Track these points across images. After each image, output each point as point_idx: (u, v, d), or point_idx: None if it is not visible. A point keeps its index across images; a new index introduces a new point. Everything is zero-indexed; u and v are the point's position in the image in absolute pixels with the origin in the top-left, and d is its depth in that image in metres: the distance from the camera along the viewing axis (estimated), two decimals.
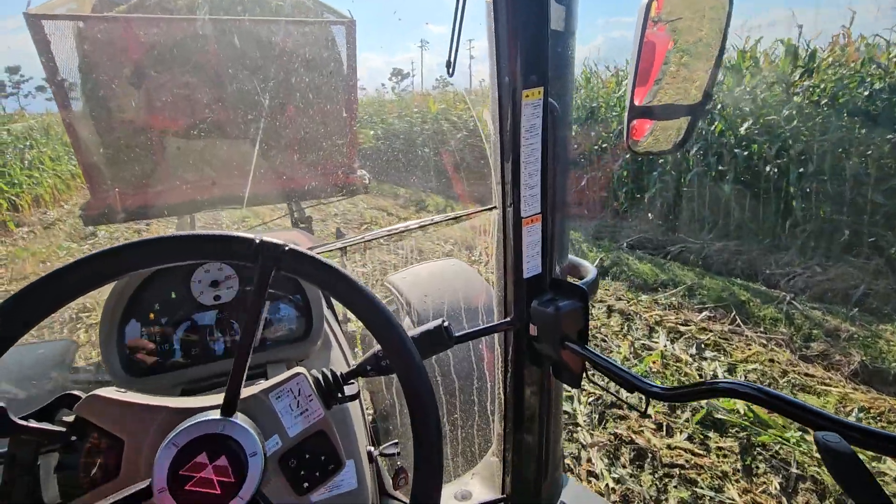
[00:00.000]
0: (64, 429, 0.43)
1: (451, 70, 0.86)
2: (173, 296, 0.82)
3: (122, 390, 0.46)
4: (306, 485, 0.51)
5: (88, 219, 2.95)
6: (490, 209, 1.03)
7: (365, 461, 0.77)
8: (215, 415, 0.45)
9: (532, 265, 0.98)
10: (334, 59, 3.19)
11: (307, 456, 0.50)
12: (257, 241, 0.48)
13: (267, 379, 0.56)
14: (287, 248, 0.48)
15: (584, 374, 0.91)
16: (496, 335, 1.17)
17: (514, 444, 1.12)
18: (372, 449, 0.84)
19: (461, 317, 1.53)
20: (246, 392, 0.51)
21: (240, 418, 0.46)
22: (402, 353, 0.49)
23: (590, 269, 1.11)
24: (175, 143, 2.91)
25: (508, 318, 1.02)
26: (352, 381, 0.60)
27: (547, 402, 1.06)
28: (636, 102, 0.99)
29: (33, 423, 0.42)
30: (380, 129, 13.41)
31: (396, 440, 0.87)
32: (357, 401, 0.92)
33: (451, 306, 1.55)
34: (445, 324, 0.65)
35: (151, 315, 0.79)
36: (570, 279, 1.07)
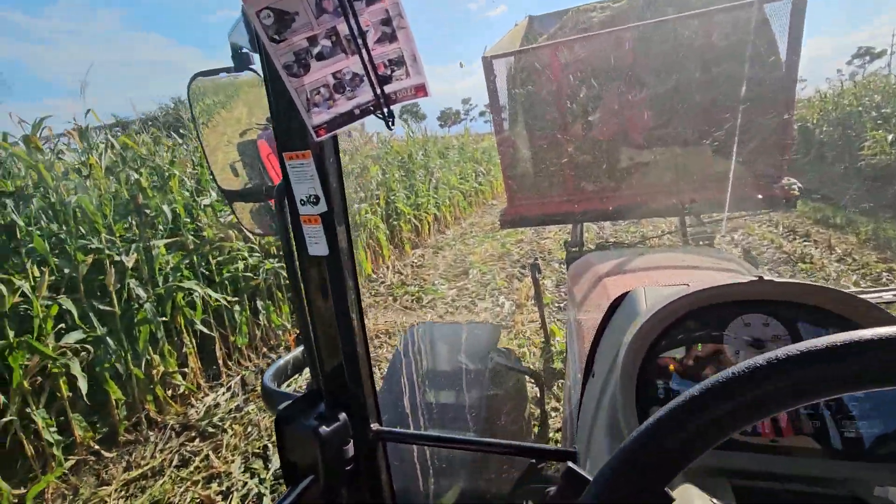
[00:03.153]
0: None
1: None
2: (699, 348, 0.68)
3: None
4: None
5: (504, 223, 3.47)
6: None
7: None
8: None
9: None
10: (770, 45, 2.60)
11: None
12: None
13: None
14: None
15: None
16: None
17: None
18: None
19: None
20: None
21: None
22: None
23: None
24: (584, 155, 3.05)
25: None
26: None
27: None
28: None
29: None
30: None
31: None
32: None
33: None
34: None
35: (672, 367, 0.67)
36: None
